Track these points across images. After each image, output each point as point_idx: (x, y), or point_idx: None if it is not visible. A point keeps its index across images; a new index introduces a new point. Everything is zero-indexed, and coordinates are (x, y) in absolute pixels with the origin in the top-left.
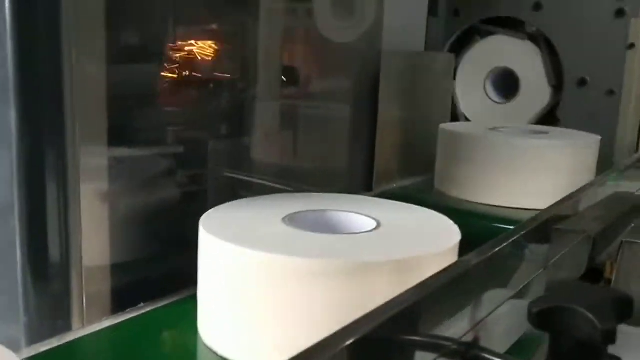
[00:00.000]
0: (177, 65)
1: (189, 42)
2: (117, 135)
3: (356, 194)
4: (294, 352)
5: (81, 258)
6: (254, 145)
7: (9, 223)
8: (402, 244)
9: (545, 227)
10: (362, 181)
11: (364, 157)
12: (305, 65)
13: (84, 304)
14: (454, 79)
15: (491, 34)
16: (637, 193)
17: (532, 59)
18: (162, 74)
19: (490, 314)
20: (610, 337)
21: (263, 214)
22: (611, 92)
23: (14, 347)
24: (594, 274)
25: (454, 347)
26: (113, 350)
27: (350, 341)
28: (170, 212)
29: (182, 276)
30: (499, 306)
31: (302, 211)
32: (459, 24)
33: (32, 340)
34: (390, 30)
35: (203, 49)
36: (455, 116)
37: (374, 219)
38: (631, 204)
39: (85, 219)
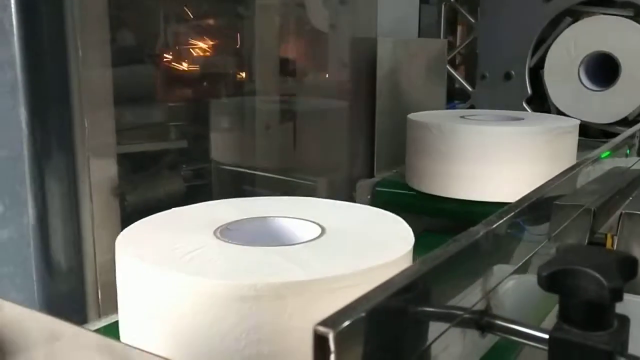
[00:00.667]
0: (177, 61)
1: (190, 39)
2: (124, 131)
3: (358, 180)
4: None
5: (94, 252)
6: (257, 138)
7: (22, 221)
8: (345, 255)
9: (546, 201)
10: (364, 168)
11: (364, 143)
12: (303, 57)
13: (99, 297)
14: (542, 67)
15: (586, 14)
16: (632, 168)
17: (635, 39)
18: (163, 71)
19: (498, 284)
20: (618, 294)
21: (195, 225)
22: None
23: None
24: (594, 245)
25: (468, 315)
26: None
27: (367, 309)
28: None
29: None
30: (507, 277)
31: (240, 220)
32: (549, 9)
33: None
34: (384, 18)
35: (204, 45)
36: (546, 110)
37: (318, 224)
38: (628, 178)
39: (97, 213)
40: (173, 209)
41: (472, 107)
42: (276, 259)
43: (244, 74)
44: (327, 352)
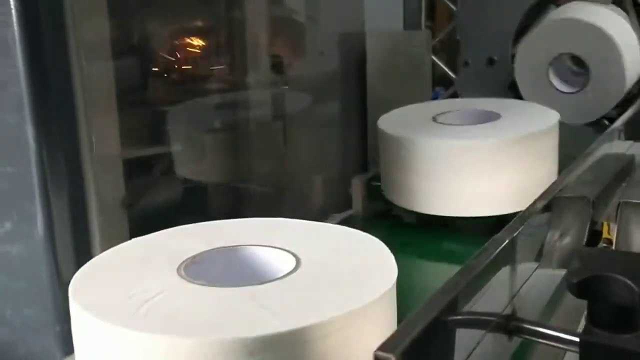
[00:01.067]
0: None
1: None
2: (128, 140)
3: (351, 176)
4: None
5: None
6: (250, 138)
7: (32, 236)
8: (323, 295)
9: (554, 200)
10: (356, 163)
11: (356, 138)
12: (291, 53)
13: None
14: (513, 63)
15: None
16: (627, 152)
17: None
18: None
19: (522, 285)
20: None
21: (157, 261)
22: None
23: (50, 358)
24: (592, 234)
25: (498, 321)
26: None
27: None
28: (177, 209)
29: None
30: (528, 278)
31: (208, 251)
32: None
33: (68, 349)
34: (370, 11)
35: (193, 43)
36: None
37: (293, 254)
38: (622, 165)
39: (105, 223)
40: (134, 239)
41: (455, 94)
42: (247, 304)
43: (232, 73)
44: None
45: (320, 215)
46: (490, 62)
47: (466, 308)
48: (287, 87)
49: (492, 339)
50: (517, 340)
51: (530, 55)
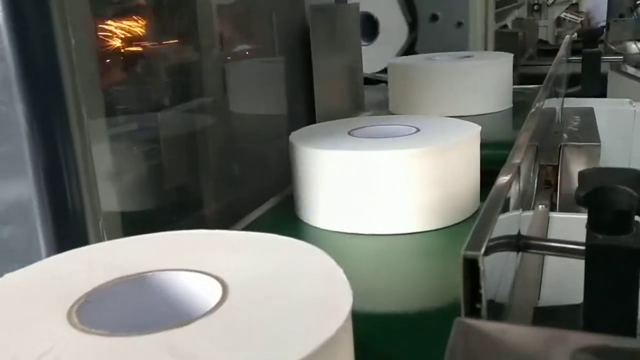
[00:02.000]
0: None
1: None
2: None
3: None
4: None
5: (104, 236)
6: (206, 111)
7: (28, 221)
8: (259, 341)
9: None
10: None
11: (305, 105)
12: (238, 28)
13: None
14: None
15: None
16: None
17: (388, 0)
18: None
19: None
20: None
21: (43, 304)
22: (459, 24)
23: None
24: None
25: (509, 240)
26: None
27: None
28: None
29: None
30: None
31: (107, 283)
32: None
33: None
34: None
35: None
36: None
37: (217, 278)
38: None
39: (102, 200)
40: (16, 272)
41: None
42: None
43: (179, 50)
44: (477, 272)
45: (267, 194)
46: None
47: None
48: (231, 61)
49: (506, 257)
50: (520, 257)
51: None
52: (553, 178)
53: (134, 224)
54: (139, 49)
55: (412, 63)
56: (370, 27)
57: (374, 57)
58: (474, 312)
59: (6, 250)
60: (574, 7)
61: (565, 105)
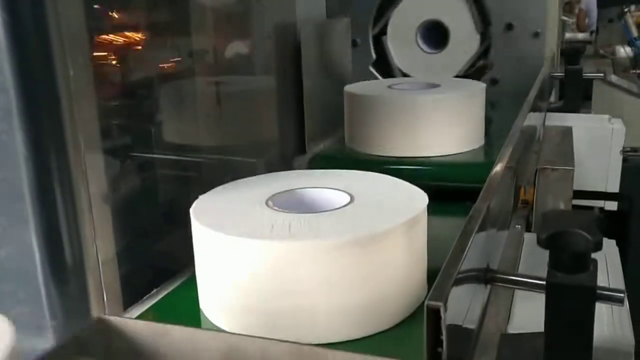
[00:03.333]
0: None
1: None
2: (112, 139)
3: (291, 158)
4: None
5: (97, 258)
6: (198, 123)
7: (24, 238)
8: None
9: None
10: (296, 145)
11: (294, 122)
12: (230, 44)
13: (105, 299)
14: (385, 34)
15: None
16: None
17: (459, 8)
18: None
19: (490, 244)
20: (599, 245)
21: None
22: (536, 34)
23: None
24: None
25: (478, 274)
26: None
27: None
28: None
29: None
30: (496, 240)
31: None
32: None
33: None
34: (300, 1)
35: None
36: (390, 72)
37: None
38: (529, 135)
39: (97, 222)
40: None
41: None
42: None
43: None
44: (439, 320)
45: None
46: (354, 44)
47: (464, 266)
48: (227, 73)
49: (474, 288)
50: (488, 288)
51: (400, 22)
52: (530, 197)
53: (125, 237)
54: (135, 72)
55: (370, 92)
56: (440, 35)
57: (442, 66)
58: (435, 356)
59: (2, 270)
60: (567, 7)
61: (547, 122)
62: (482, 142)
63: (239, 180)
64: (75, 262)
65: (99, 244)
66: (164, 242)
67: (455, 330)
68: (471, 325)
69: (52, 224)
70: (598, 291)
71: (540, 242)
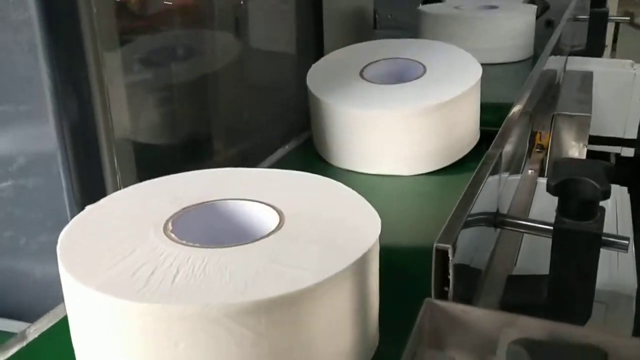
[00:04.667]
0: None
1: None
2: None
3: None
4: None
5: (120, 188)
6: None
7: (51, 170)
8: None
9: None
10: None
11: (314, 50)
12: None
13: None
14: None
15: None
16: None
17: None
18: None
19: (502, 189)
20: (607, 194)
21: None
22: None
23: None
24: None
25: (488, 217)
26: None
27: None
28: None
29: None
30: (505, 182)
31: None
32: None
33: None
34: None
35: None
36: None
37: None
38: (549, 79)
39: (115, 152)
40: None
41: None
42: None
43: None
44: (447, 261)
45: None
46: None
47: (473, 210)
48: (246, 29)
49: (485, 231)
50: (498, 231)
51: None
52: (546, 143)
53: (148, 169)
54: (157, 4)
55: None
56: None
57: None
58: (442, 294)
59: (31, 201)
60: None
61: (568, 66)
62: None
63: (147, 182)
64: (98, 194)
65: (122, 177)
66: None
67: (463, 270)
68: (479, 266)
69: (77, 156)
70: (603, 238)
71: (550, 189)
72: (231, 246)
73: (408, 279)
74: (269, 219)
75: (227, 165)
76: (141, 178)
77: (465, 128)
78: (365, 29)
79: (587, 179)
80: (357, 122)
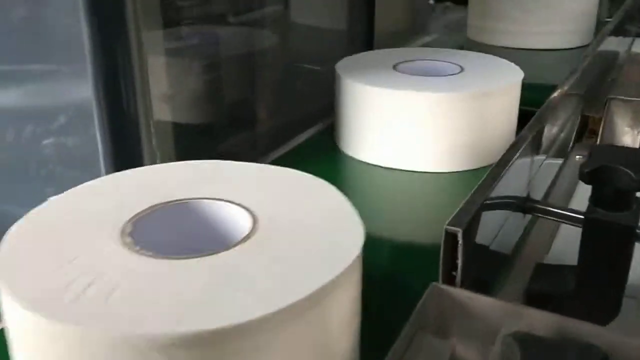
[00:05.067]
0: None
1: None
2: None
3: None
4: None
5: (156, 151)
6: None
7: (89, 130)
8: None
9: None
10: (363, 43)
11: (364, 25)
12: None
13: None
14: None
15: None
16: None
17: None
18: None
19: (536, 172)
20: None
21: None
22: None
23: None
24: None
25: (515, 202)
26: None
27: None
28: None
29: None
30: (540, 165)
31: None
32: None
33: None
34: None
35: None
36: None
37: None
38: (608, 61)
39: (156, 114)
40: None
41: None
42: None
43: None
44: (456, 245)
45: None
46: None
47: (496, 194)
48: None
49: (513, 217)
50: (528, 217)
51: None
52: (598, 128)
53: (185, 136)
54: None
55: None
56: None
57: None
58: (449, 280)
59: (71, 159)
60: None
61: (634, 48)
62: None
63: (120, 173)
64: (134, 155)
65: (159, 141)
66: (228, 143)
67: (481, 255)
68: (504, 251)
69: (113, 117)
70: (638, 231)
71: (582, 176)
72: (187, 258)
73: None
74: (242, 225)
75: (264, 141)
76: (178, 143)
77: (500, 131)
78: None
79: (622, 168)
80: (385, 105)
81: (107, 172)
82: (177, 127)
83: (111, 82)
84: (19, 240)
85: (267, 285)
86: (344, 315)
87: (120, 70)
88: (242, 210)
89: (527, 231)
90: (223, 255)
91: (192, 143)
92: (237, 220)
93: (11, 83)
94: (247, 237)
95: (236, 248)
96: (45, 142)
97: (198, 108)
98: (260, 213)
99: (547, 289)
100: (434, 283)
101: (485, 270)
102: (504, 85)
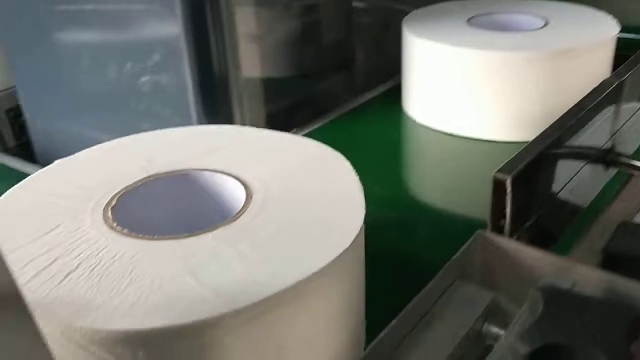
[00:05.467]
0: None
1: None
2: None
3: None
4: None
5: (242, 91)
6: None
7: (180, 69)
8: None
9: None
10: None
11: None
12: None
13: None
14: None
15: None
16: None
17: None
18: None
19: (624, 123)
20: None
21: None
22: None
23: None
24: None
25: (594, 153)
26: None
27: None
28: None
29: None
30: (630, 117)
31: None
32: None
33: None
34: None
35: None
36: None
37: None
38: None
39: (243, 58)
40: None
41: None
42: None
43: None
44: (504, 193)
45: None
46: None
47: (571, 142)
48: None
49: (590, 169)
50: (611, 172)
51: None
52: None
53: (274, 76)
54: None
55: None
56: None
57: None
58: (498, 228)
59: (165, 96)
60: None
61: None
62: None
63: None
64: (223, 96)
65: (246, 81)
66: (324, 83)
67: (544, 205)
68: (578, 203)
69: (202, 54)
70: None
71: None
72: (163, 239)
73: None
74: (236, 201)
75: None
76: (266, 83)
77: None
78: None
79: None
80: (453, 65)
81: (197, 109)
82: (265, 66)
83: (198, 18)
84: (16, 202)
85: (237, 279)
86: (328, 315)
87: (207, 6)
88: (240, 185)
89: (615, 187)
90: (202, 237)
91: (280, 85)
92: (234, 195)
93: (110, 21)
94: (236, 216)
95: (218, 230)
96: (143, 79)
97: (288, 49)
98: (256, 189)
99: (627, 249)
100: (479, 231)
101: (552, 223)
102: (595, 41)
